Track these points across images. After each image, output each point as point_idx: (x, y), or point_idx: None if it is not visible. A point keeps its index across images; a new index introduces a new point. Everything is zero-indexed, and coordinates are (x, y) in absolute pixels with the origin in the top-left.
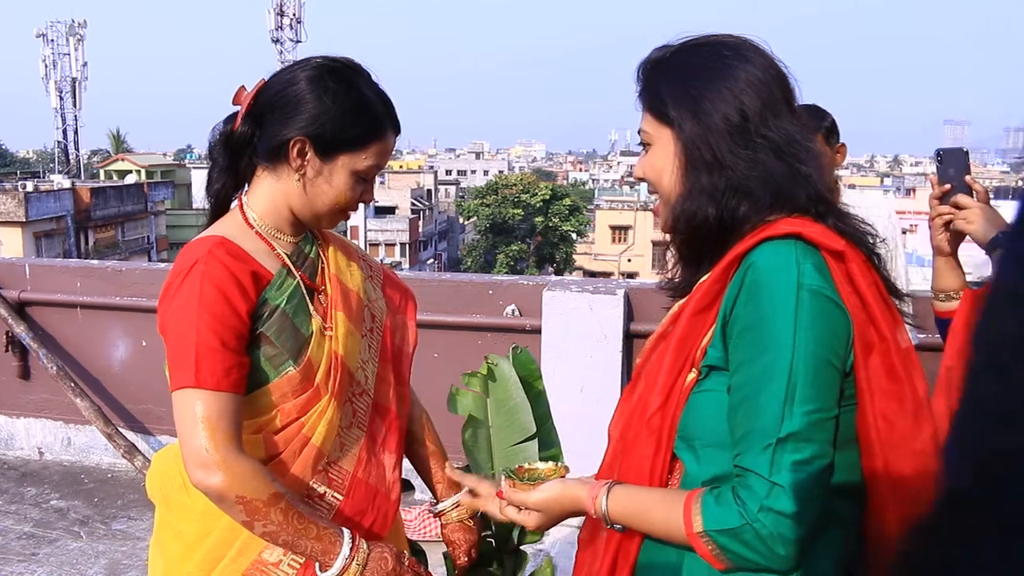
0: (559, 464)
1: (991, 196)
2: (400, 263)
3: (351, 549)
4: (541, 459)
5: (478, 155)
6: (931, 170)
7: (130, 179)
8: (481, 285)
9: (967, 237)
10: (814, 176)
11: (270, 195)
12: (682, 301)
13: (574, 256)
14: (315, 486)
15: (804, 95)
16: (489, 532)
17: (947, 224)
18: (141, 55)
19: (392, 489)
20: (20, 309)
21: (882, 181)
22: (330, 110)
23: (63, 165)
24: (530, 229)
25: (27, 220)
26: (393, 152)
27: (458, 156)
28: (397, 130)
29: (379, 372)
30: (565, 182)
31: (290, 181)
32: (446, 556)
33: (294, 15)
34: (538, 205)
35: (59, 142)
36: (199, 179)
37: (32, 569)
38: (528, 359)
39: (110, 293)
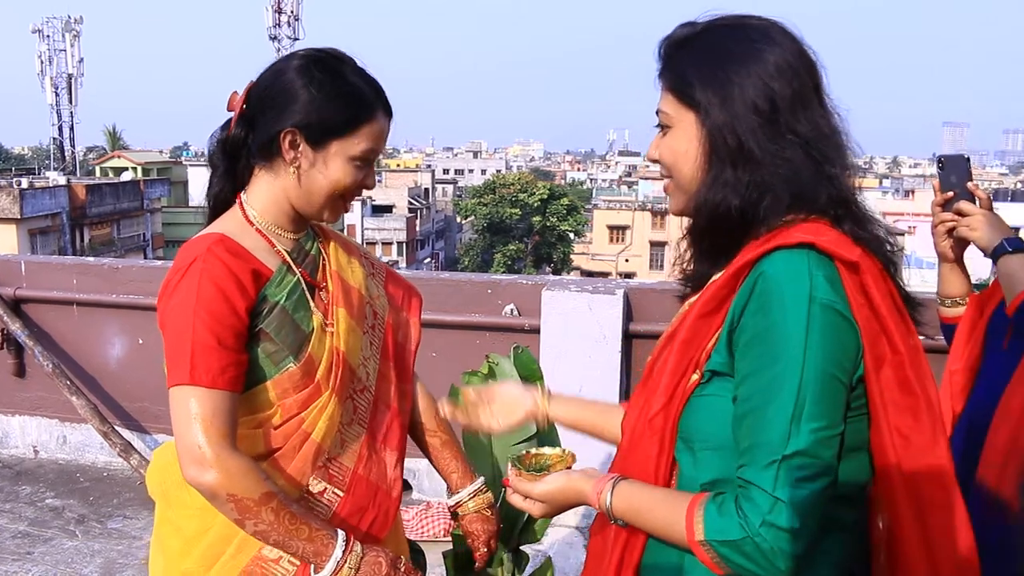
0: (565, 451)
1: (991, 199)
2: (397, 262)
3: (344, 552)
4: None
5: (476, 154)
6: (930, 172)
7: (126, 176)
8: (480, 284)
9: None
10: (839, 178)
11: (269, 192)
12: (691, 300)
13: (571, 256)
14: (315, 482)
15: None
16: None
17: (950, 231)
18: (139, 52)
19: (393, 487)
20: (15, 306)
21: (880, 182)
22: (316, 98)
23: (58, 162)
24: (528, 229)
25: (22, 217)
26: (389, 136)
27: (456, 155)
28: (388, 112)
29: (381, 369)
30: (563, 182)
31: (287, 176)
32: (445, 556)
33: (292, 12)
34: (536, 205)
35: (55, 139)
36: (195, 176)
37: (27, 568)
38: (529, 358)
39: (106, 291)
